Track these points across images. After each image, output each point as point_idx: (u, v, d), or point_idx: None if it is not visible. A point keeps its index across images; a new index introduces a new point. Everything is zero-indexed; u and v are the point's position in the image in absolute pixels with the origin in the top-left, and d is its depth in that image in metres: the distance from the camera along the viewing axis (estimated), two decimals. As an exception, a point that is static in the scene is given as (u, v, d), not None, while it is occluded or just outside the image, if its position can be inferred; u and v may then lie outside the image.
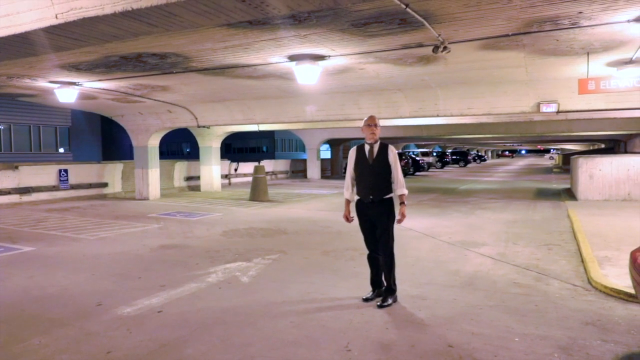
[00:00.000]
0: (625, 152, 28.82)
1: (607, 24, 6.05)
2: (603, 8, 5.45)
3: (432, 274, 5.78)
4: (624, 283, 4.84)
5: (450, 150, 46.98)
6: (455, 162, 44.01)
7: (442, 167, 38.94)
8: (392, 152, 4.74)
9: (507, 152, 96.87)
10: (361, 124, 4.87)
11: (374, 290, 4.83)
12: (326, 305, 4.66)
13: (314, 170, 26.73)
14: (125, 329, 4.05)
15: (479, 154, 58.94)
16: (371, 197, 4.66)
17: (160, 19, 3.90)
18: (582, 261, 6.10)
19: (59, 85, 10.30)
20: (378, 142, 4.76)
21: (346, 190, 4.92)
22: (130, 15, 3.93)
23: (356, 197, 4.84)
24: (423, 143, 43.30)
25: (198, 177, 19.19)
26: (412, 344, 3.73)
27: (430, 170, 34.46)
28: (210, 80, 10.17)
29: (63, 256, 6.96)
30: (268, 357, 3.50)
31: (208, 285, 5.38)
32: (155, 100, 13.11)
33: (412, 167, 28.39)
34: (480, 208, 12.22)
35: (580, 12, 5.61)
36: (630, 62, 7.89)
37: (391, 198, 4.73)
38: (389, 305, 4.58)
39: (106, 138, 33.66)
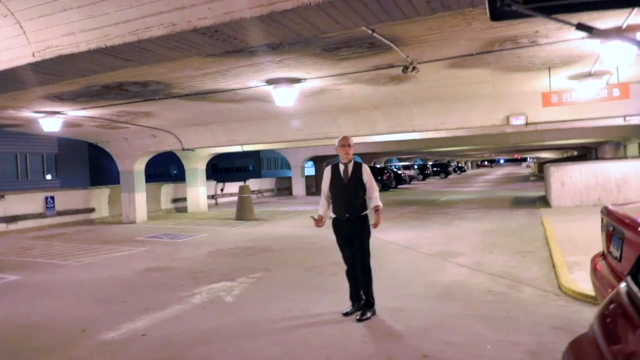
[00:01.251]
0: (597, 158, 29.51)
1: (563, 41, 6.42)
2: (557, 27, 5.80)
3: (411, 286, 5.96)
4: (591, 287, 5.06)
5: (431, 163, 47.77)
6: (436, 174, 44.73)
7: (423, 179, 39.51)
8: (366, 171, 4.93)
9: (486, 162, 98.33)
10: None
11: (353, 305, 4.97)
12: (307, 321, 4.81)
13: (299, 187, 26.93)
14: (109, 354, 4.14)
15: (459, 165, 59.89)
16: (347, 215, 4.84)
17: (133, 54, 4.12)
18: (553, 267, 6.35)
19: (43, 114, 10.42)
20: (352, 162, 4.94)
21: (321, 207, 5.11)
22: (104, 52, 4.14)
23: (332, 215, 5.01)
24: (404, 157, 43.91)
25: (185, 199, 19.26)
26: (389, 355, 3.87)
27: (412, 182, 34.97)
28: (192, 105, 10.38)
29: (49, 283, 7.00)
30: (248, 374, 3.64)
31: (192, 306, 5.50)
32: (139, 125, 13.27)
33: (394, 181, 28.72)
34: (459, 218, 12.50)
35: (537, 32, 5.96)
36: (589, 75, 8.31)
37: (366, 215, 4.91)
38: (367, 318, 4.73)
39: (94, 163, 33.48)
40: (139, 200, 15.57)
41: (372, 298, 4.89)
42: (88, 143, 28.65)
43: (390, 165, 36.37)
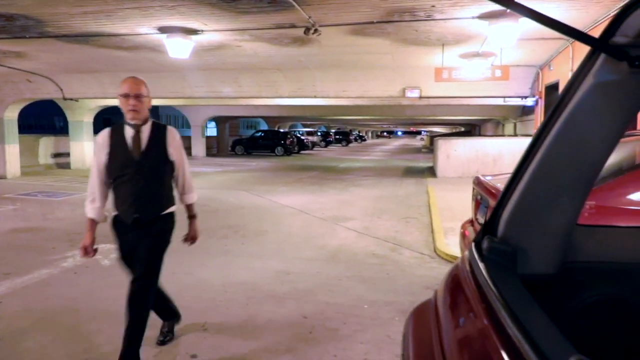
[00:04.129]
0: (480, 135, 32.50)
1: (456, 18, 6.71)
2: (452, 4, 6.03)
3: (301, 249, 6.04)
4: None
5: (334, 131, 48.87)
6: (338, 141, 45.99)
7: (326, 146, 40.41)
8: (175, 140, 2.97)
9: (385, 133, 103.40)
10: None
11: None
12: (191, 285, 4.64)
13: (199, 147, 25.98)
14: (-49, 325, 3.64)
15: (360, 134, 62.14)
16: (137, 214, 2.84)
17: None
18: (432, 232, 6.84)
19: None
20: (149, 123, 2.88)
21: (90, 202, 2.92)
22: None
23: (113, 214, 2.95)
24: (309, 123, 44.41)
25: (68, 154, 17.58)
26: (269, 318, 3.87)
27: (314, 148, 35.60)
28: (73, 48, 9.27)
29: None
30: (116, 344, 3.40)
31: (62, 270, 5.03)
32: (9, 67, 11.60)
33: (297, 146, 29.10)
34: (354, 185, 12.92)
35: (433, 6, 6.14)
36: (477, 55, 8.88)
37: (172, 214, 3.05)
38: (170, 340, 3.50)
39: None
40: (10, 153, 13.86)
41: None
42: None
43: (294, 131, 36.48)
